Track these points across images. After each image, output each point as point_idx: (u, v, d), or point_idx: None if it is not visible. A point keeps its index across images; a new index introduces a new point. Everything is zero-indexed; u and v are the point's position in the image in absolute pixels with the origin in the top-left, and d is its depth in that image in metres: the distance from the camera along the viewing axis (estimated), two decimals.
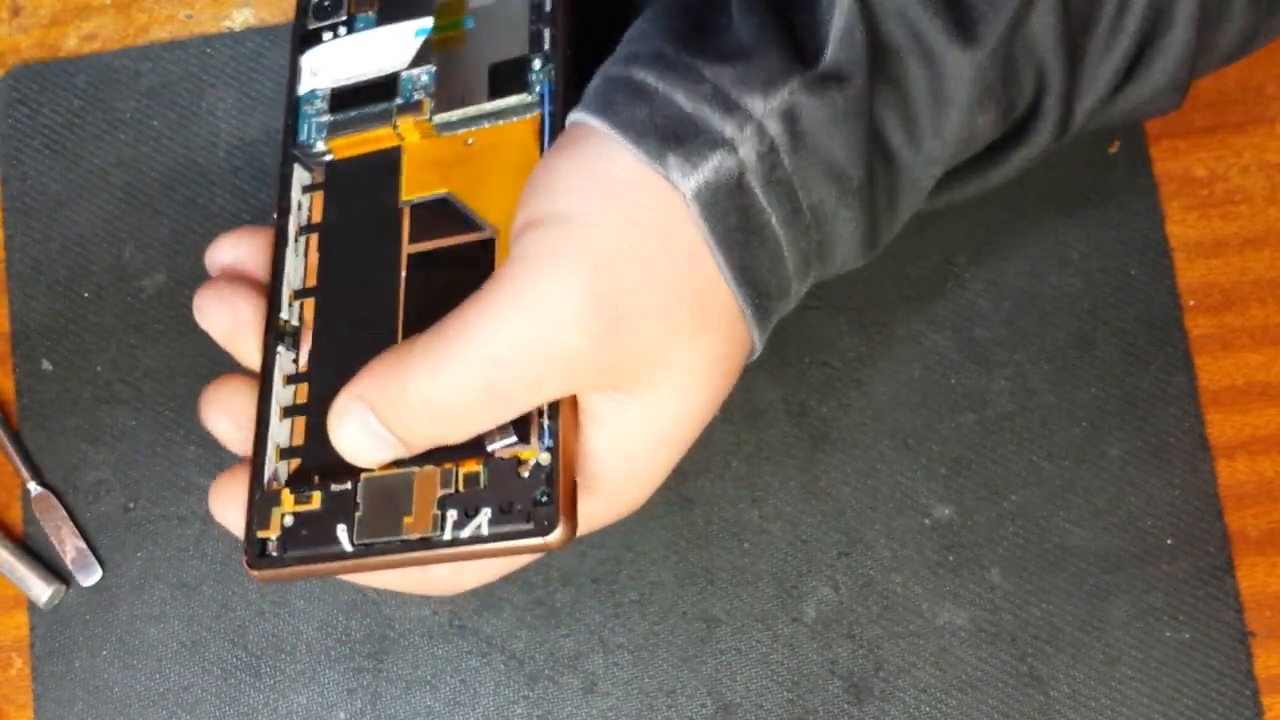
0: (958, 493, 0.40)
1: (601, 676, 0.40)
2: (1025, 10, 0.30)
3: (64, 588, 0.41)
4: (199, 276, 0.43)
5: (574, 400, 0.31)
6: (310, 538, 0.31)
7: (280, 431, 0.33)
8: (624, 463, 0.31)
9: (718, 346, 0.30)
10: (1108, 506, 0.40)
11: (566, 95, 0.33)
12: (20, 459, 0.42)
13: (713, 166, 0.28)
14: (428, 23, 0.35)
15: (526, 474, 0.30)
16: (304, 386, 0.33)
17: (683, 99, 0.29)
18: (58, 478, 0.42)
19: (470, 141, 0.34)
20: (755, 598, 0.40)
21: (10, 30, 0.45)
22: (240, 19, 0.45)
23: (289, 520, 0.31)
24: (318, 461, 0.32)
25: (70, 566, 0.41)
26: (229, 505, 0.33)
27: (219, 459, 0.42)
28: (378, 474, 0.31)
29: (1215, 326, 0.41)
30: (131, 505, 0.42)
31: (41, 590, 0.41)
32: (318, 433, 0.31)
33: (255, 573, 0.31)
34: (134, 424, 0.42)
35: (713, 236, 0.29)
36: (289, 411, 0.33)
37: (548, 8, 0.34)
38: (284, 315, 0.34)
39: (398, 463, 0.30)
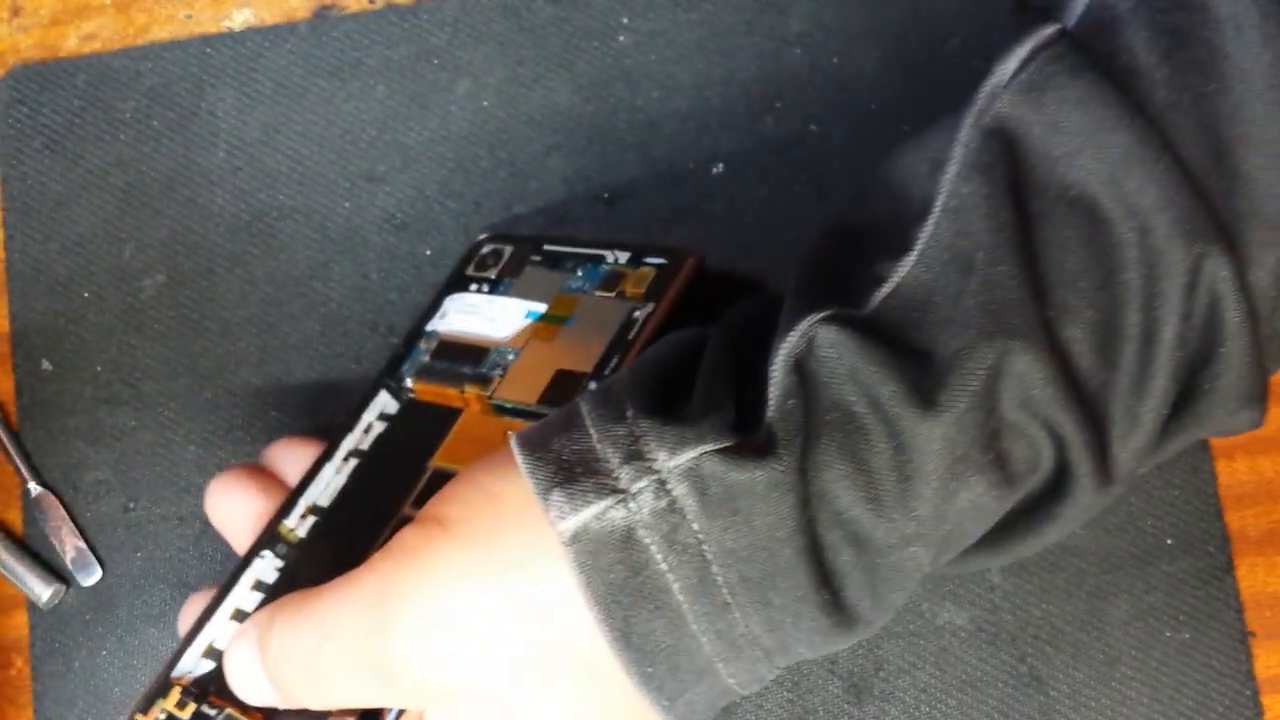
0: None
1: None
2: (997, 371, 0.26)
3: (64, 588, 0.41)
4: (199, 276, 0.43)
5: None
6: None
7: (218, 630, 0.33)
8: None
9: (578, 707, 0.28)
10: (1108, 506, 0.40)
11: None
12: (20, 459, 0.42)
13: (595, 512, 0.26)
14: (540, 308, 0.36)
15: None
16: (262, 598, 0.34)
17: (595, 437, 0.27)
18: (58, 478, 0.42)
19: (508, 433, 0.34)
20: None
21: (10, 30, 0.45)
22: (240, 19, 0.45)
23: (162, 718, 0.32)
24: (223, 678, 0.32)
25: (70, 566, 0.41)
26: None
27: (219, 459, 0.42)
28: (235, 713, 0.31)
29: None
30: (131, 505, 0.42)
31: (41, 590, 0.41)
32: None
33: None
34: (134, 424, 0.42)
35: (588, 588, 0.26)
36: (238, 616, 0.33)
37: (631, 333, 0.34)
38: (290, 523, 0.34)
39: (269, 715, 0.31)
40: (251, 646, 0.29)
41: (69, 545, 0.42)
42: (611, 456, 0.27)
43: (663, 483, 0.26)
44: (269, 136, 0.44)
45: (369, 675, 0.28)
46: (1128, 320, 0.27)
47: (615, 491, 0.26)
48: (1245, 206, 0.27)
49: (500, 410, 0.35)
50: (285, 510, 0.35)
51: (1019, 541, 0.30)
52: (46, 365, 0.43)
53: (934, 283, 0.27)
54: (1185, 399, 0.28)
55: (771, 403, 0.27)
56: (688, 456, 0.26)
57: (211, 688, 0.32)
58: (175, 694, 0.32)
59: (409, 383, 0.37)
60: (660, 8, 0.44)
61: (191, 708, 0.31)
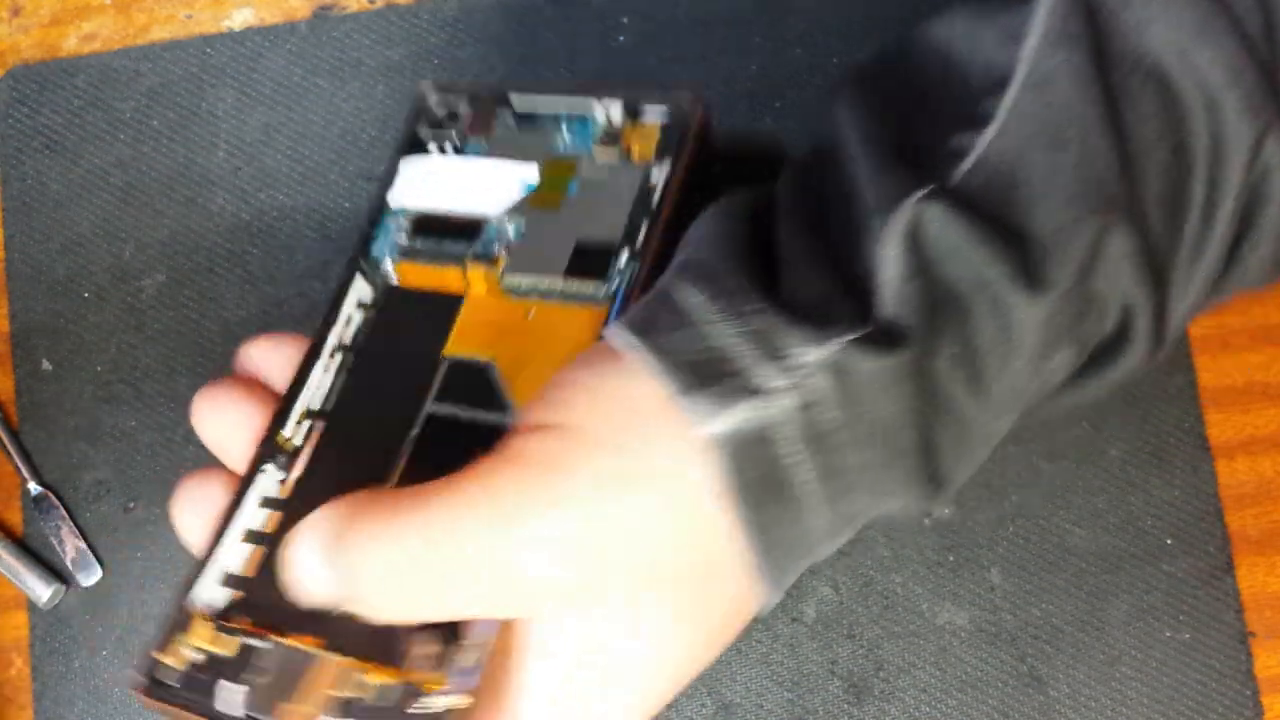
0: (958, 492, 0.40)
1: None
2: (1098, 247, 0.27)
3: (64, 588, 0.41)
4: (199, 276, 0.43)
5: (509, 637, 0.27)
6: (206, 685, 0.28)
7: (232, 555, 0.30)
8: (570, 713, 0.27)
9: (704, 599, 0.27)
10: (1108, 506, 0.40)
11: (640, 299, 0.30)
12: (20, 459, 0.42)
13: (743, 414, 0.26)
14: (531, 174, 0.33)
15: (421, 712, 0.26)
16: (278, 515, 0.30)
17: (727, 334, 0.26)
18: (58, 478, 0.42)
19: (531, 313, 0.32)
20: None
21: (10, 30, 0.45)
22: (240, 19, 0.45)
23: (193, 655, 0.28)
24: (258, 602, 0.29)
25: (70, 566, 0.41)
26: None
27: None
28: (289, 642, 0.28)
29: (1215, 326, 0.41)
30: (131, 505, 0.42)
31: (41, 590, 0.41)
32: (271, 568, 0.28)
33: (142, 697, 0.28)
34: (134, 424, 0.42)
35: (739, 490, 0.26)
36: (251, 537, 0.30)
37: (655, 199, 0.32)
38: (287, 432, 0.31)
39: (332, 641, 0.27)
40: (319, 547, 0.27)
41: (69, 545, 0.42)
42: (750, 354, 0.26)
43: (805, 379, 0.26)
44: (269, 136, 0.44)
45: (482, 585, 0.26)
46: (1193, 190, 0.28)
47: (760, 392, 0.26)
48: None
49: (515, 290, 0.32)
50: (279, 420, 0.31)
51: (1052, 403, 0.30)
52: (46, 365, 0.43)
53: (1020, 157, 0.28)
54: (1225, 266, 0.29)
55: (888, 285, 0.27)
56: (827, 351, 0.26)
57: (237, 616, 0.28)
58: (201, 626, 0.28)
59: (389, 266, 0.33)
60: (660, 8, 0.44)
61: (234, 641, 0.28)
